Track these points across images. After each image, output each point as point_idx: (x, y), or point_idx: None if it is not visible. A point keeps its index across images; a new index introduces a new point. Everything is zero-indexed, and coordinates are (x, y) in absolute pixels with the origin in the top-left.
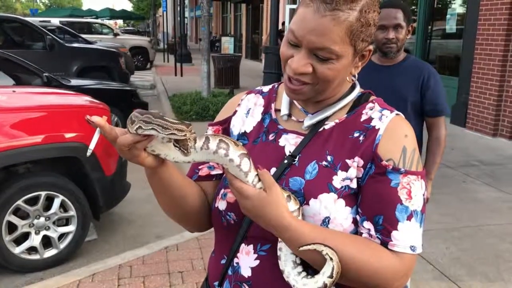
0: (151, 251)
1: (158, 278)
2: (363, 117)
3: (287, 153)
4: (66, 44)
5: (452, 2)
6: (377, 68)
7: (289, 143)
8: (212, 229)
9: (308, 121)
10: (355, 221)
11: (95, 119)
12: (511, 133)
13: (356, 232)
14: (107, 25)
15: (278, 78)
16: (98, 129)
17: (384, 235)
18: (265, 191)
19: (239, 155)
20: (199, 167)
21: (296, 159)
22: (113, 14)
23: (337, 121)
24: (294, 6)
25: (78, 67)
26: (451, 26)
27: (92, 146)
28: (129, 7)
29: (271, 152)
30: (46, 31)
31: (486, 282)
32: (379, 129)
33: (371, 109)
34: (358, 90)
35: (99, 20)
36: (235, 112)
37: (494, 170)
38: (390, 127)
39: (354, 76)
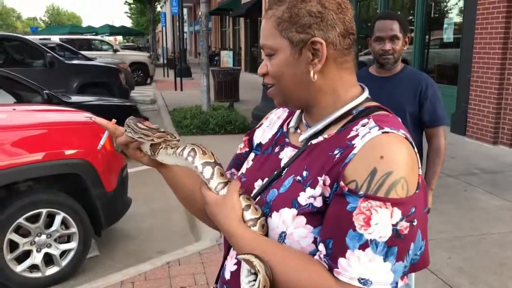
0: (153, 266)
1: None
2: (351, 134)
3: (281, 166)
4: (66, 61)
5: (449, 11)
6: (375, 79)
7: (286, 156)
8: (214, 243)
9: (303, 135)
10: (316, 242)
11: (98, 119)
12: (511, 141)
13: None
14: (107, 42)
15: None
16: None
17: (332, 261)
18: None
19: (202, 163)
20: (226, 172)
21: (284, 172)
22: (112, 30)
23: (326, 136)
24: None
25: (78, 84)
26: (448, 35)
27: (102, 141)
28: (128, 23)
29: (270, 163)
30: (46, 49)
31: None
32: (355, 147)
33: (364, 126)
34: (356, 102)
35: (98, 37)
36: (261, 124)
37: (495, 178)
38: (367, 146)
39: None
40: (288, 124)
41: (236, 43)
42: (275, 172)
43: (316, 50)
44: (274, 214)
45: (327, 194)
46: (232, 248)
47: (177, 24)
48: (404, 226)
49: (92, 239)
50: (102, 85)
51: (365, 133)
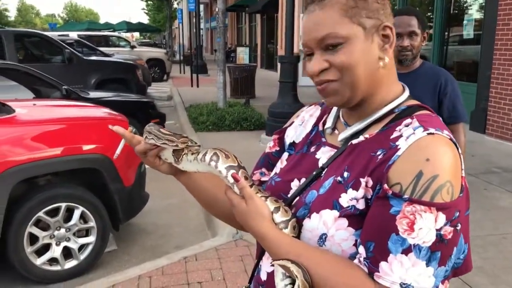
0: (170, 261)
1: None
2: (395, 134)
3: (320, 166)
4: (84, 57)
5: (469, 7)
6: None
7: (324, 156)
8: (231, 238)
9: (343, 134)
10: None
11: (116, 128)
12: None
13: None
14: (124, 38)
15: (294, 87)
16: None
17: (373, 264)
18: (246, 203)
19: (226, 167)
20: (254, 172)
21: (323, 172)
22: (129, 27)
23: (367, 136)
24: None
25: (96, 80)
26: (468, 32)
27: (118, 151)
28: (145, 19)
29: (307, 163)
30: (65, 45)
31: None
32: (399, 148)
33: (407, 126)
34: (401, 101)
35: (116, 33)
36: (292, 122)
37: None
38: (412, 148)
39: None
40: (324, 123)
41: (252, 40)
42: (314, 173)
43: (385, 36)
44: (314, 215)
45: (369, 196)
46: None
47: (194, 20)
48: (448, 231)
49: (110, 233)
50: (119, 81)
51: (409, 134)
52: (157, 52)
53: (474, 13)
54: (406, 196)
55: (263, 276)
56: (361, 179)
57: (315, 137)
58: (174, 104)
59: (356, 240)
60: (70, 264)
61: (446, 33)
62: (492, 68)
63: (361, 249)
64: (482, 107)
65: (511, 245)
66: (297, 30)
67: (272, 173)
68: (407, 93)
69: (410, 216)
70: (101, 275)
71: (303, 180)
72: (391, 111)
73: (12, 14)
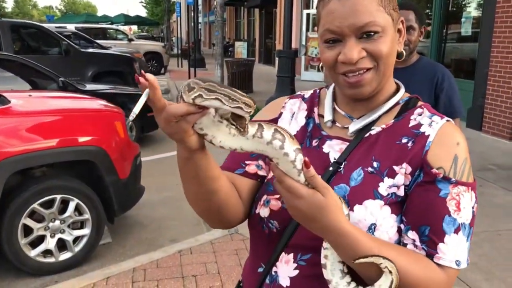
0: (165, 254)
1: (172, 281)
2: (412, 123)
3: (332, 160)
4: (82, 50)
5: (467, 5)
6: (394, 71)
7: (333, 149)
8: (226, 232)
9: (354, 126)
10: (399, 230)
11: (150, 76)
12: None
13: (400, 241)
14: (122, 31)
15: (292, 81)
16: (146, 91)
17: (430, 247)
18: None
19: (294, 150)
20: (246, 162)
21: (342, 166)
22: (127, 20)
23: (384, 126)
24: (309, 11)
25: (93, 72)
26: (466, 29)
27: (137, 109)
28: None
29: (314, 158)
30: (62, 37)
31: (504, 287)
32: (429, 135)
33: (420, 115)
34: (403, 93)
35: (114, 26)
36: (280, 114)
37: (511, 174)
38: (441, 134)
39: (405, 53)
40: (319, 116)
41: (250, 34)
42: (330, 168)
43: (400, 31)
44: (357, 207)
45: (407, 183)
46: (284, 252)
47: (192, 14)
48: (475, 207)
49: (105, 226)
50: (116, 74)
51: (429, 122)
52: (155, 45)
53: (472, 10)
54: (453, 178)
55: (285, 282)
56: (395, 167)
57: (313, 131)
58: (171, 98)
59: (398, 226)
60: (65, 256)
61: (444, 31)
62: (489, 66)
63: (413, 235)
64: (479, 105)
65: (505, 242)
66: (296, 25)
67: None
68: (403, 87)
69: (456, 197)
70: (95, 268)
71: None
72: (396, 103)
73: (9, 6)
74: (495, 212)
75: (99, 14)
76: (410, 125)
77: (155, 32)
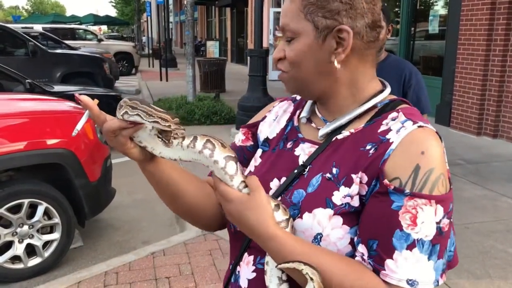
0: (137, 257)
1: (145, 284)
2: (382, 128)
3: (300, 163)
4: (49, 51)
5: (434, 3)
6: None
7: (304, 152)
8: (199, 233)
9: (324, 130)
10: (353, 243)
11: (84, 98)
12: (494, 132)
13: (354, 254)
14: (91, 31)
15: (263, 81)
16: (87, 110)
17: (377, 263)
18: (249, 194)
19: (224, 157)
20: None
21: (306, 170)
22: (97, 20)
23: (352, 130)
24: (278, 9)
25: (61, 73)
26: (433, 27)
27: (79, 126)
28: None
29: (285, 160)
30: (29, 37)
31: (472, 279)
32: (392, 142)
33: (394, 119)
34: (384, 96)
35: (83, 26)
36: (264, 117)
37: (479, 168)
38: (406, 141)
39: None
40: (298, 117)
41: (222, 34)
42: (295, 171)
43: (341, 39)
44: (306, 215)
45: (363, 193)
46: (246, 252)
47: (163, 13)
48: (445, 223)
49: (75, 229)
50: (86, 74)
51: (399, 128)
52: (125, 46)
53: (440, 9)
54: (407, 190)
55: (244, 283)
56: (353, 175)
57: (290, 133)
58: (142, 98)
59: (351, 239)
60: (34, 261)
61: (413, 28)
62: (456, 63)
63: (362, 248)
64: (447, 101)
65: (473, 235)
66: (266, 24)
67: (246, 171)
68: (388, 90)
69: (412, 211)
70: (66, 272)
71: (283, 179)
72: (373, 106)
73: None
74: (463, 206)
75: (68, 14)
76: (379, 131)
77: (125, 32)
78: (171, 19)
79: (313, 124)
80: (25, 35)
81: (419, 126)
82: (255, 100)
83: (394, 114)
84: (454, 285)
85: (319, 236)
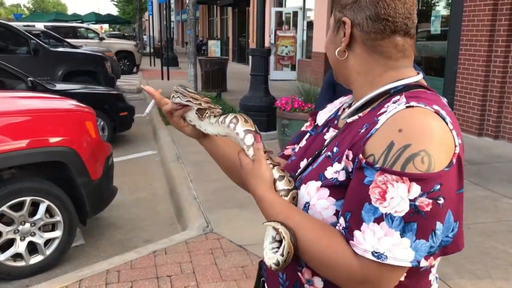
0: (139, 255)
1: (147, 282)
2: (382, 110)
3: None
4: (51, 49)
5: (436, 4)
6: None
7: (329, 136)
8: (201, 232)
9: (343, 115)
10: (338, 214)
11: (148, 87)
12: (496, 133)
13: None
14: (93, 30)
15: (265, 80)
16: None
17: (348, 233)
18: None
19: (244, 130)
20: (287, 147)
21: (322, 152)
22: (98, 18)
23: (361, 114)
24: (279, 9)
25: (63, 72)
26: (435, 27)
27: (148, 109)
28: (114, 11)
29: (316, 144)
30: (31, 36)
31: (474, 279)
32: (379, 122)
33: (395, 102)
34: (398, 83)
35: (84, 25)
36: (325, 107)
37: (480, 169)
38: (390, 120)
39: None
40: (344, 108)
41: (224, 33)
42: (316, 152)
43: (344, 30)
44: (302, 186)
45: (350, 169)
46: None
47: (164, 12)
48: (424, 202)
49: (77, 228)
50: (87, 73)
51: (392, 109)
52: (127, 44)
53: (441, 9)
54: (377, 165)
55: None
56: (345, 153)
57: (331, 120)
58: (143, 97)
59: (337, 211)
60: (36, 259)
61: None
62: (458, 64)
63: (341, 220)
64: (448, 101)
65: (474, 235)
66: (268, 24)
67: (290, 151)
68: (411, 79)
69: (382, 186)
70: (68, 270)
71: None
72: (386, 92)
73: None
74: (464, 207)
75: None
76: (378, 113)
77: (127, 30)
78: (172, 18)
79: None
80: (27, 33)
81: (409, 106)
82: (256, 100)
83: (397, 97)
84: (455, 285)
85: (307, 205)
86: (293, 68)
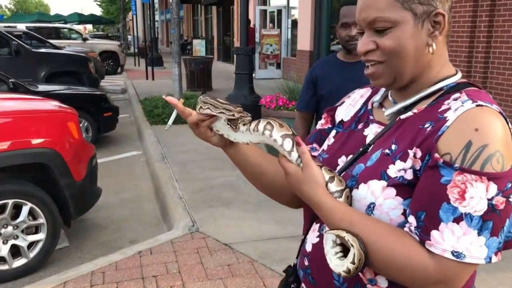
0: (124, 256)
1: (132, 283)
2: (443, 107)
3: (367, 142)
4: (33, 50)
5: None
6: (343, 65)
7: (371, 132)
8: (186, 231)
9: (390, 110)
10: (406, 214)
11: (170, 98)
12: None
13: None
14: (76, 30)
15: (250, 78)
16: (175, 109)
17: (423, 233)
18: (302, 170)
19: (281, 136)
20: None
21: (370, 148)
22: (81, 18)
23: (415, 110)
24: (264, 7)
25: (46, 73)
26: None
27: (170, 122)
28: (98, 11)
29: (354, 140)
30: (12, 37)
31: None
32: (448, 120)
33: (456, 100)
34: (452, 80)
35: (67, 25)
36: (343, 102)
37: None
38: (462, 118)
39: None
40: (373, 102)
41: (208, 32)
42: (361, 149)
43: (436, 23)
44: (362, 185)
45: (417, 167)
46: (315, 222)
47: (148, 12)
48: (500, 201)
49: (61, 230)
50: (71, 74)
51: (457, 106)
52: (111, 45)
53: None
54: (456, 165)
55: (308, 248)
56: (409, 151)
57: (363, 115)
58: (128, 97)
59: (404, 210)
60: (19, 262)
61: None
62: None
63: (411, 219)
64: None
65: None
66: (253, 22)
67: (320, 150)
68: (459, 75)
69: (461, 185)
70: (52, 273)
71: (350, 156)
72: (439, 89)
73: None
74: None
75: (52, 13)
76: (439, 110)
77: (111, 31)
78: (156, 17)
79: (383, 109)
80: (8, 35)
81: (478, 105)
82: (241, 98)
83: (457, 95)
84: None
85: (372, 205)
86: (278, 66)
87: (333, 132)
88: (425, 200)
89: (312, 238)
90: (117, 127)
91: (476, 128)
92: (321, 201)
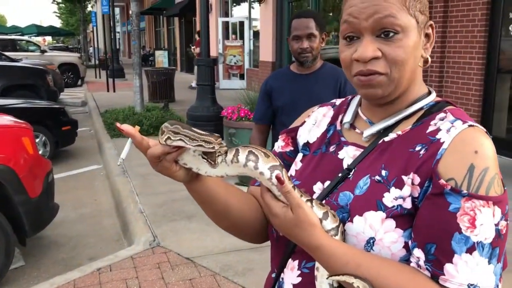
0: (82, 274)
1: None
2: (430, 129)
3: (345, 166)
4: None
5: None
6: (296, 77)
7: (348, 155)
8: (147, 246)
9: (368, 131)
10: (407, 246)
11: (125, 127)
12: None
13: (408, 258)
14: (34, 42)
15: (212, 90)
16: (129, 138)
17: (436, 267)
18: (292, 211)
19: (269, 168)
20: None
21: (351, 173)
22: (40, 30)
23: (399, 132)
24: (226, 19)
25: (1, 86)
26: None
27: (123, 155)
28: (58, 23)
29: (328, 164)
30: None
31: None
32: (443, 142)
33: (442, 120)
34: (431, 98)
35: (25, 37)
36: (303, 122)
37: None
38: (458, 140)
39: (427, 61)
40: (341, 122)
41: (171, 43)
42: (340, 174)
43: (429, 36)
44: (357, 218)
45: (416, 194)
46: (290, 259)
47: (109, 23)
48: (503, 225)
49: (15, 249)
50: (28, 87)
51: (448, 127)
52: (70, 57)
53: None
54: (464, 191)
55: None
56: (404, 177)
57: (333, 137)
58: (88, 110)
59: (405, 242)
60: None
61: None
62: None
63: (418, 252)
64: None
65: None
66: (215, 34)
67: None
68: (434, 94)
69: (470, 212)
70: None
71: (327, 182)
72: (420, 109)
73: None
74: None
75: (8, 24)
76: (427, 131)
77: (71, 42)
78: (118, 29)
79: (357, 130)
80: None
81: (470, 125)
82: (204, 109)
83: (442, 114)
84: None
85: (371, 241)
86: (241, 77)
87: (300, 155)
88: (434, 231)
89: (292, 277)
90: (77, 141)
91: (476, 150)
92: (321, 245)
